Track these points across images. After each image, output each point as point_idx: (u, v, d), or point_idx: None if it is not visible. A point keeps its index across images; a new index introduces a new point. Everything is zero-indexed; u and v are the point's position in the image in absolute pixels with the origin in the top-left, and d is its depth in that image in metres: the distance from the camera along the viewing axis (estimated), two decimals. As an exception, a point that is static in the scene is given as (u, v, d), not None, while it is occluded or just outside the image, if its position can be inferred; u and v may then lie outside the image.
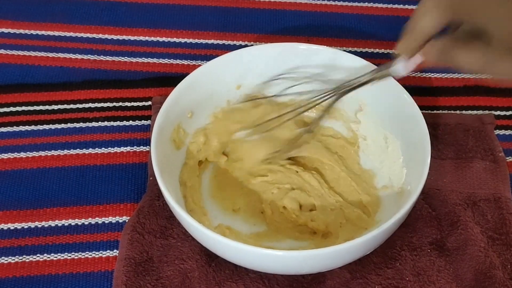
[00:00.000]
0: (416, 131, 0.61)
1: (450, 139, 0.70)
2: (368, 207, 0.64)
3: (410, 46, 0.55)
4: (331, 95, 0.63)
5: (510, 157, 0.70)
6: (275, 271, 0.58)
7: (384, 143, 0.66)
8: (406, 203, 0.56)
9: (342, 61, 0.68)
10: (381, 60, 0.79)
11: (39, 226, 0.64)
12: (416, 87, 0.77)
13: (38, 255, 0.62)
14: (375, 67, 0.66)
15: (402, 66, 0.57)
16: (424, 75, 0.78)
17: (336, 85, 0.63)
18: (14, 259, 0.62)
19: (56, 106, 0.74)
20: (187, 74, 0.66)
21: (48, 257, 0.62)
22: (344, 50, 0.80)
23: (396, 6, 0.87)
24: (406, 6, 0.87)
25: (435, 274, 0.60)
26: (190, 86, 0.65)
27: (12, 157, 0.69)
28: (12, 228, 0.64)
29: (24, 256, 0.62)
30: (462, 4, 0.50)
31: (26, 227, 0.64)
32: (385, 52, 0.81)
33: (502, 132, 0.73)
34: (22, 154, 0.69)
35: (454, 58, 0.51)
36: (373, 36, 0.83)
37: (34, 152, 0.70)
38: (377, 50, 0.81)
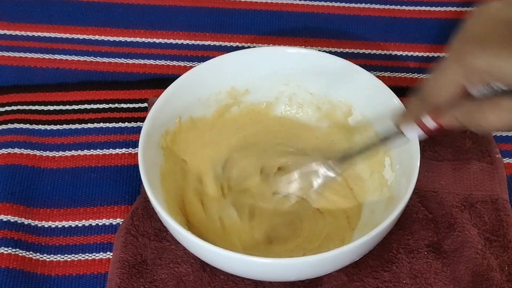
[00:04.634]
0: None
1: (447, 141, 0.70)
2: (354, 211, 0.64)
3: (420, 113, 0.54)
4: (331, 165, 0.63)
5: (507, 158, 0.70)
6: (264, 278, 0.58)
7: (375, 147, 0.66)
8: (395, 209, 0.55)
9: (332, 65, 0.67)
10: (378, 61, 0.79)
11: (32, 224, 0.64)
12: (413, 89, 0.77)
13: (31, 252, 0.62)
14: (365, 71, 0.66)
15: (414, 131, 0.56)
16: (421, 77, 0.78)
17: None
18: (7, 250, 0.61)
19: (51, 106, 0.74)
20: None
21: (41, 257, 0.62)
22: (341, 51, 0.81)
23: (393, 7, 0.86)
24: (404, 7, 0.86)
25: (432, 277, 0.60)
26: (177, 92, 0.64)
27: (5, 152, 0.68)
28: (5, 219, 0.63)
29: (17, 249, 0.61)
30: (489, 72, 0.48)
31: (19, 221, 0.63)
32: (382, 53, 0.81)
33: (499, 133, 0.72)
34: (16, 150, 0.68)
35: (481, 120, 0.49)
36: (370, 37, 0.83)
37: (29, 150, 0.69)
38: (374, 51, 0.81)
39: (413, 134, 0.57)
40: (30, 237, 0.63)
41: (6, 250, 0.61)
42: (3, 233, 0.62)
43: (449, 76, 0.50)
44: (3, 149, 0.69)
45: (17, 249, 0.61)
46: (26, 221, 0.64)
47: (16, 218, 0.64)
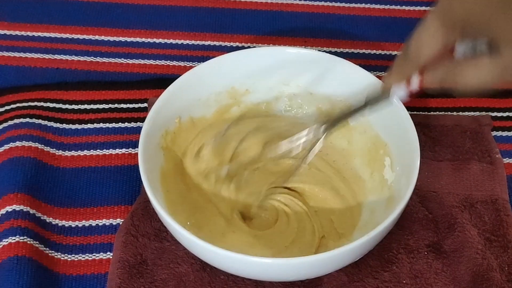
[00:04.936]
0: (405, 137, 0.61)
1: (447, 141, 0.70)
2: (355, 211, 0.64)
3: (408, 73, 0.54)
4: (322, 128, 0.62)
5: (507, 158, 0.70)
6: (264, 278, 0.58)
7: (374, 147, 0.66)
8: (395, 209, 0.56)
9: (331, 65, 0.68)
10: (378, 61, 0.79)
11: (37, 215, 0.63)
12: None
13: (37, 242, 0.61)
14: (365, 71, 0.66)
15: (399, 92, 0.56)
16: (421, 77, 0.78)
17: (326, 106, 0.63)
18: (14, 239, 0.61)
19: (51, 104, 0.74)
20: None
21: (45, 250, 0.61)
22: (341, 52, 0.81)
23: (393, 7, 0.87)
24: (403, 7, 0.86)
25: (433, 277, 0.60)
26: (177, 92, 0.65)
27: (7, 147, 0.68)
28: (10, 210, 0.63)
29: (25, 237, 0.61)
30: (468, 21, 0.48)
31: (25, 210, 0.63)
32: (382, 53, 0.81)
33: (499, 133, 0.73)
34: (18, 143, 0.68)
35: (461, 79, 0.50)
36: (370, 37, 0.83)
37: (31, 142, 0.68)
38: (374, 51, 0.81)
39: (398, 95, 0.56)
40: (35, 227, 0.62)
41: (14, 239, 0.61)
42: (10, 223, 0.62)
43: (431, 31, 0.50)
44: (5, 145, 0.68)
45: (25, 237, 0.61)
46: (31, 211, 0.63)
47: (21, 207, 0.63)
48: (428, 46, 0.51)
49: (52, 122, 0.72)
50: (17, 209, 0.63)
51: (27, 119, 0.71)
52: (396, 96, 0.57)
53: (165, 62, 0.80)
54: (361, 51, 0.81)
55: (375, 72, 0.73)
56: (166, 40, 0.82)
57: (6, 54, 0.80)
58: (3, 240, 0.61)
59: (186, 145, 0.66)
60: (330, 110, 0.69)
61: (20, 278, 0.58)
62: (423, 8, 0.86)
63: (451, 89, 0.51)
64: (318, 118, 0.68)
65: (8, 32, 0.82)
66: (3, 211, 0.63)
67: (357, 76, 0.66)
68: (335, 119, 0.62)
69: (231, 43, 0.82)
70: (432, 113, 0.74)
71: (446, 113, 0.74)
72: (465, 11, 0.48)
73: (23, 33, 0.82)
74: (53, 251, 0.62)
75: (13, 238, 0.61)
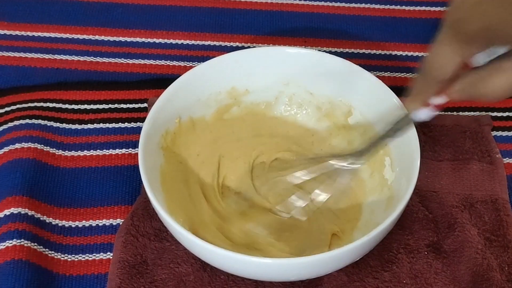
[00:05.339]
0: (405, 137, 0.61)
1: (447, 141, 0.70)
2: (352, 212, 0.64)
3: (429, 94, 0.53)
4: (347, 160, 0.62)
5: (507, 158, 0.70)
6: (264, 278, 0.58)
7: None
8: (395, 209, 0.55)
9: (331, 65, 0.67)
10: (378, 61, 0.79)
11: (36, 216, 0.63)
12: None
13: (35, 244, 0.61)
14: (365, 71, 0.66)
15: (425, 112, 0.55)
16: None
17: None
18: (11, 243, 0.60)
19: (51, 104, 0.74)
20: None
21: (44, 251, 0.61)
22: (341, 52, 0.81)
23: (393, 7, 0.87)
24: (404, 7, 0.86)
25: (432, 277, 0.60)
26: (177, 92, 0.65)
27: (7, 149, 0.68)
28: (8, 213, 0.62)
29: (22, 239, 0.61)
30: (487, 32, 0.46)
31: (23, 212, 0.63)
32: (383, 53, 0.81)
33: (499, 133, 0.73)
34: (17, 145, 0.68)
35: (486, 88, 0.49)
36: (370, 37, 0.83)
37: (30, 142, 0.68)
38: (374, 51, 0.81)
39: (423, 116, 0.56)
40: (34, 228, 0.62)
41: (11, 243, 0.60)
42: (7, 227, 0.61)
43: (447, 48, 0.49)
44: (4, 148, 0.68)
45: (22, 239, 0.61)
46: (30, 212, 0.63)
47: (19, 209, 0.63)
48: (446, 64, 0.50)
49: (52, 122, 0.72)
50: (15, 211, 0.63)
51: (27, 120, 0.71)
52: (421, 117, 0.56)
53: (165, 62, 0.80)
54: (361, 51, 0.81)
55: (375, 72, 0.74)
56: (166, 40, 0.82)
57: (6, 54, 0.80)
58: (0, 244, 0.61)
59: (188, 145, 0.66)
60: (330, 111, 0.69)
61: (16, 282, 0.58)
62: (423, 8, 0.86)
63: (478, 98, 0.50)
64: (341, 151, 0.67)
65: (8, 32, 0.82)
66: (1, 214, 0.63)
67: (358, 76, 0.66)
68: (363, 150, 0.61)
69: (231, 43, 0.82)
70: (432, 113, 0.74)
71: (446, 113, 0.74)
72: (482, 22, 0.46)
73: (23, 33, 0.82)
74: (53, 252, 0.62)
75: (10, 241, 0.60)
